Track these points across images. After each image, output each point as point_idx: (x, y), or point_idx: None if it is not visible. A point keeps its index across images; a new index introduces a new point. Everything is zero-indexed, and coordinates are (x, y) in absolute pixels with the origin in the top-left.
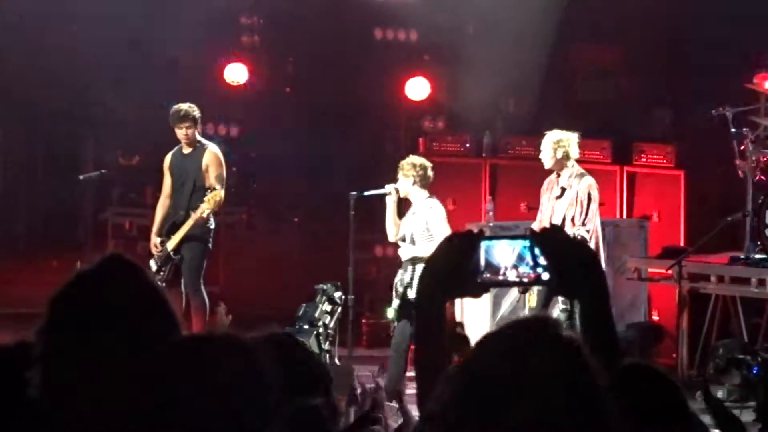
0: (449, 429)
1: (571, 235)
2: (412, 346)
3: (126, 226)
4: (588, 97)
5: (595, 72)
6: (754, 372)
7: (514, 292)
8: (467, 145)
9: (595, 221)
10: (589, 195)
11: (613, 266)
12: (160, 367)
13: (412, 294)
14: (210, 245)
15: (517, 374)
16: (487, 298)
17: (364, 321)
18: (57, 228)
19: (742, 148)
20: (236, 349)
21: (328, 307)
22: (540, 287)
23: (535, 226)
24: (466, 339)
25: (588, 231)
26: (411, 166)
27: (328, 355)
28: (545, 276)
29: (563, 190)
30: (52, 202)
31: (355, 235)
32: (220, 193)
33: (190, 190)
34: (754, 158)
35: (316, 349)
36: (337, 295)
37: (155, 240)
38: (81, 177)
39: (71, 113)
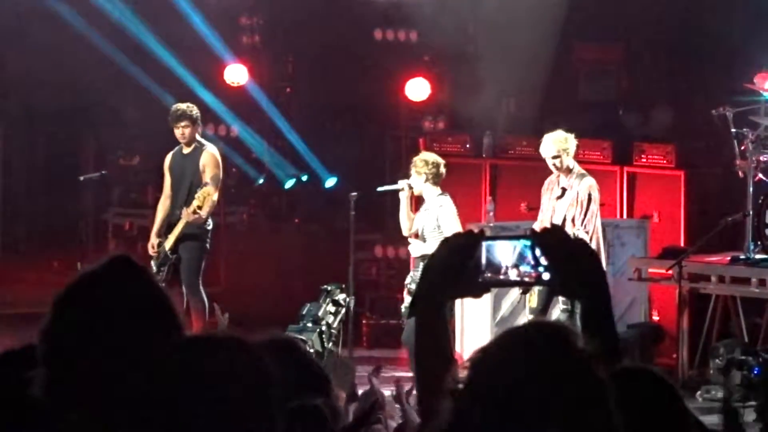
0: None
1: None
2: None
3: (126, 227)
4: (588, 97)
5: (595, 72)
6: (755, 372)
7: (514, 292)
8: (467, 146)
9: (595, 222)
10: (589, 195)
11: (613, 266)
12: (162, 368)
13: None
14: (208, 245)
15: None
16: (487, 299)
17: (364, 321)
18: (58, 228)
19: (742, 148)
20: (238, 349)
21: (332, 308)
22: (541, 288)
23: (536, 226)
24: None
25: (587, 232)
26: (423, 163)
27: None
28: (546, 276)
29: (564, 190)
30: (53, 203)
31: (355, 235)
32: (211, 191)
33: (188, 190)
34: (754, 158)
35: (319, 348)
36: (342, 296)
37: (153, 240)
38: (82, 178)
39: (72, 114)
